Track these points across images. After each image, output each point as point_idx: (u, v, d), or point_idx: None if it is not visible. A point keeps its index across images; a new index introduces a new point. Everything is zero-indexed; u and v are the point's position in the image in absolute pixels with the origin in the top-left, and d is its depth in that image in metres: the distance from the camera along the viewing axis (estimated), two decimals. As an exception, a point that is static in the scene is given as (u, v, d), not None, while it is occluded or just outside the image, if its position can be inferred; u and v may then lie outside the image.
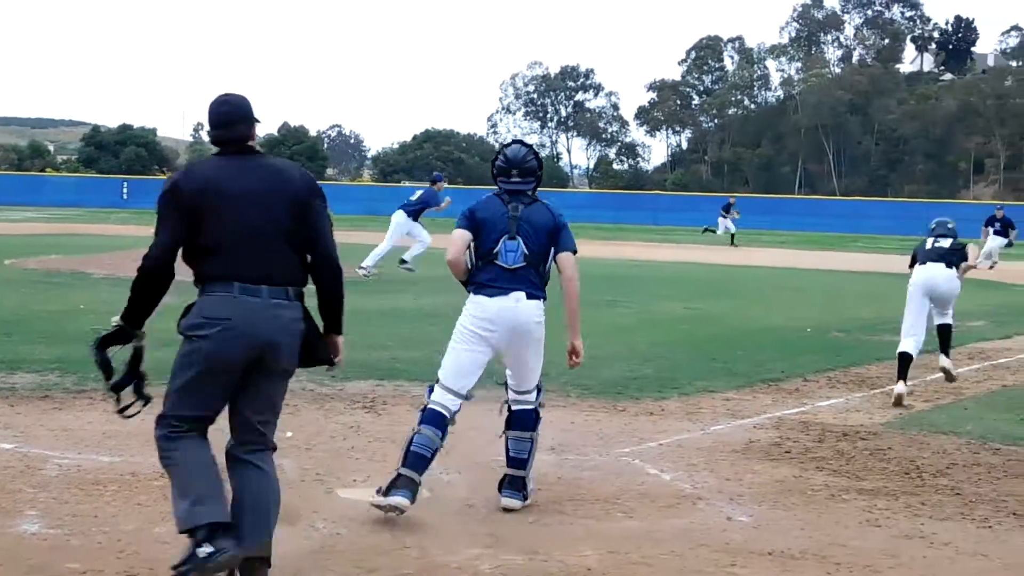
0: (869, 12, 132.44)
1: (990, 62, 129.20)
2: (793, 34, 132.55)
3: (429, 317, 16.49)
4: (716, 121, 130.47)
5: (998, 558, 5.99)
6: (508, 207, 6.86)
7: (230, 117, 5.36)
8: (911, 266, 11.86)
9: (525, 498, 6.80)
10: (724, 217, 46.08)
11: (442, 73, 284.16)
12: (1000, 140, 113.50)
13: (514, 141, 7.39)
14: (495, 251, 6.80)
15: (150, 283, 5.15)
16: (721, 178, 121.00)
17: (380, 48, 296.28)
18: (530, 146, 7.22)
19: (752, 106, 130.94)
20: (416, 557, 5.69)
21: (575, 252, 6.93)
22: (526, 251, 6.78)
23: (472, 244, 6.89)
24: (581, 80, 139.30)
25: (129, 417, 5.29)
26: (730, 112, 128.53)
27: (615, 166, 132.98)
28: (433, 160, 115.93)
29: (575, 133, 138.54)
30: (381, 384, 10.67)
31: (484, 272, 6.85)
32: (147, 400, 5.30)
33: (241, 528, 5.03)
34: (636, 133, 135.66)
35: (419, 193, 25.17)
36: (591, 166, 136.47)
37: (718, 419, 9.56)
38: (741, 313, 18.43)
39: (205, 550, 4.85)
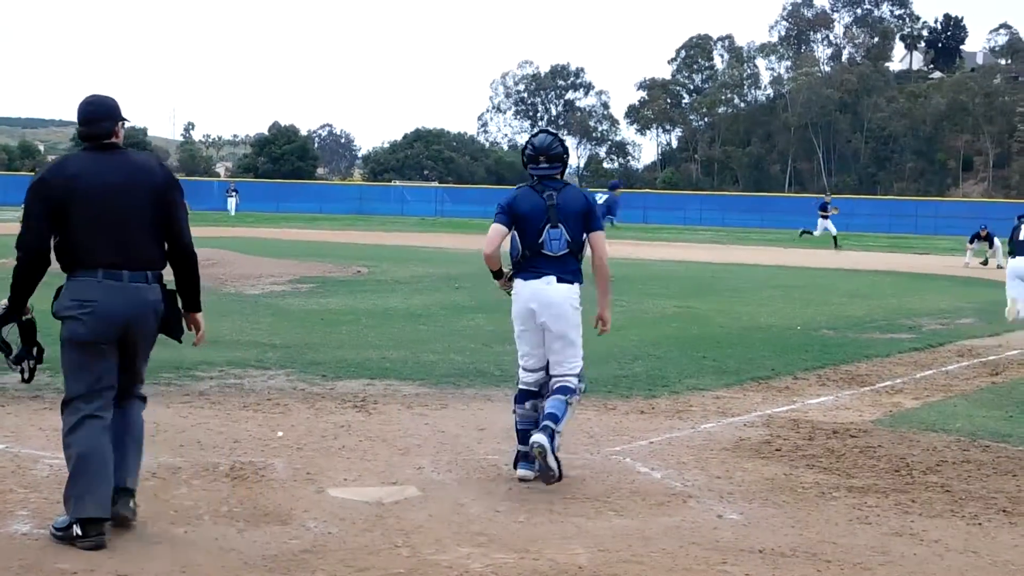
0: (858, 11, 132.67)
1: (979, 60, 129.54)
2: (783, 33, 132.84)
3: (419, 317, 16.52)
4: (706, 120, 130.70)
5: (987, 555, 6.00)
6: (544, 196, 7.41)
7: (94, 115, 5.96)
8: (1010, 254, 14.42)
9: (552, 448, 7.01)
10: (824, 218, 44.27)
11: (433, 72, 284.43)
12: (989, 138, 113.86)
13: (540, 131, 8.11)
14: (541, 240, 7.35)
15: (29, 271, 5.84)
16: (711, 177, 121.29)
17: (371, 47, 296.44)
18: (555, 134, 7.78)
19: (742, 105, 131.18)
20: (407, 556, 5.68)
21: (602, 229, 7.56)
22: (568, 238, 7.35)
23: (516, 236, 7.44)
24: (571, 79, 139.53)
25: (30, 380, 6.08)
26: (720, 111, 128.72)
27: (605, 165, 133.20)
28: (423, 159, 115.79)
29: (565, 132, 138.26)
30: (372, 383, 10.67)
31: (530, 260, 7.41)
32: (40, 352, 6.05)
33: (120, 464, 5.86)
34: (626, 132, 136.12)
35: (603, 198, 24.69)
36: (581, 165, 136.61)
37: (708, 417, 9.57)
38: (731, 311, 18.45)
39: (77, 532, 5.63)
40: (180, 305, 6.10)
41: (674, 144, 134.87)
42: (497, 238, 7.36)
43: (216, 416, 8.98)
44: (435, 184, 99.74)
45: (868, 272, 30.54)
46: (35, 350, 6.04)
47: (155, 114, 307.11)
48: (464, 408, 9.67)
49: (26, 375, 6.07)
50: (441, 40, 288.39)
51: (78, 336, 5.73)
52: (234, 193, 72.63)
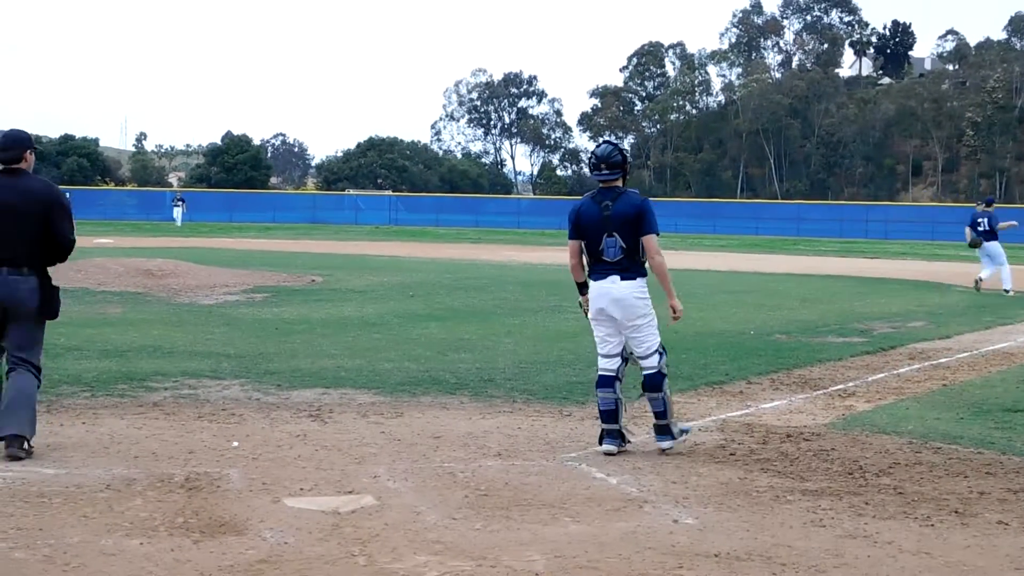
0: (808, 17, 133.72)
1: (927, 66, 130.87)
2: (733, 40, 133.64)
3: (373, 326, 16.48)
4: (658, 127, 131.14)
5: (940, 555, 6.05)
6: (601, 207, 8.42)
7: (5, 144, 7.86)
8: None
9: (674, 437, 8.51)
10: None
11: (386, 81, 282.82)
12: (937, 143, 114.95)
13: (603, 141, 9.10)
14: (600, 248, 8.41)
15: None
16: (664, 183, 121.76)
17: (324, 56, 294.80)
18: (616, 144, 8.84)
19: (694, 111, 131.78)
20: (364, 565, 5.67)
21: (657, 233, 8.47)
22: (623, 244, 8.37)
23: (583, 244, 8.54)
24: (524, 87, 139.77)
25: None
26: (672, 118, 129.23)
27: (559, 172, 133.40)
28: (377, 168, 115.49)
29: (519, 140, 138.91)
30: (327, 392, 10.64)
31: (594, 266, 8.51)
32: None
33: (2, 417, 7.64)
34: (579, 139, 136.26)
35: (985, 220, 25.12)
36: (535, 172, 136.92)
37: (663, 422, 9.58)
38: (685, 316, 18.42)
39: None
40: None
41: (626, 151, 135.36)
42: (573, 252, 8.62)
43: (171, 427, 8.94)
44: (389, 193, 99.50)
45: (820, 276, 30.75)
46: None
47: (107, 124, 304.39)
48: (420, 416, 9.66)
49: None
50: (394, 48, 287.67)
51: None
52: (180, 203, 72.01)
